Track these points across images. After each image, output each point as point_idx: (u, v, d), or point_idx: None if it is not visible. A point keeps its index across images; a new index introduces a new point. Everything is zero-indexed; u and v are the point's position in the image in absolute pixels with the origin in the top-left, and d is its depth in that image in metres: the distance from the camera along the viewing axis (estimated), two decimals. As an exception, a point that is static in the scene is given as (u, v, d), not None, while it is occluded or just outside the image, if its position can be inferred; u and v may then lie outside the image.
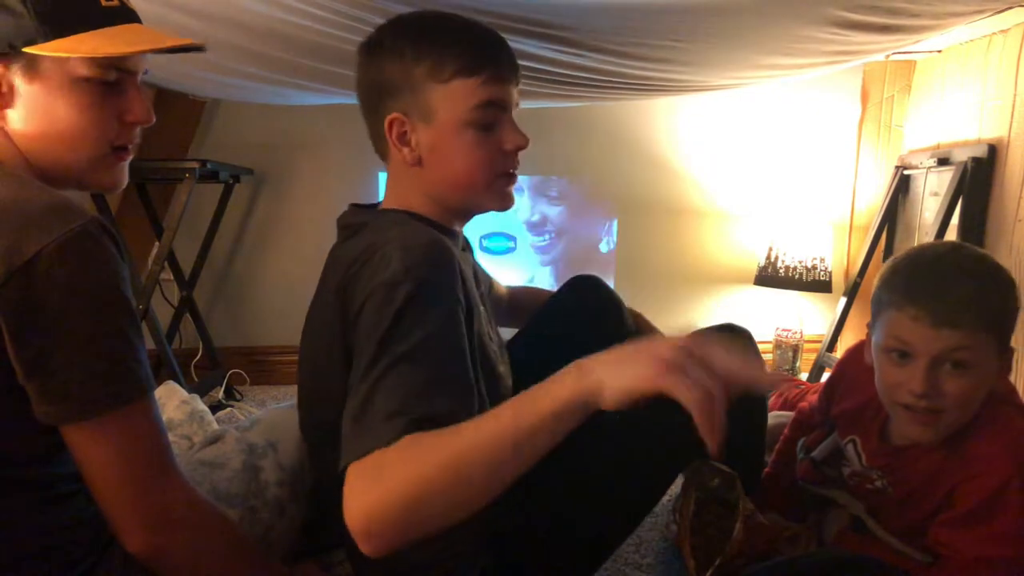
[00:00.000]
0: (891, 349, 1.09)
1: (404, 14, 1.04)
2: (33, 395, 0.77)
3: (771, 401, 1.91)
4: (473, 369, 0.85)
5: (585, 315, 1.38)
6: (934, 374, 1.05)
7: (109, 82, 0.85)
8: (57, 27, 0.81)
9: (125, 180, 0.93)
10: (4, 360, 0.76)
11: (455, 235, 1.10)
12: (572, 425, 0.69)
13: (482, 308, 1.06)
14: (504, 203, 1.07)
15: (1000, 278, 1.08)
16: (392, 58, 0.99)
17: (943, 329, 1.03)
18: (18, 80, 0.82)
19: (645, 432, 1.06)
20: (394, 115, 0.99)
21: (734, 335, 1.16)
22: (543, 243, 2.65)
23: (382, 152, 1.06)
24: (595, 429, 1.06)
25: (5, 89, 0.83)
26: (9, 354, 0.75)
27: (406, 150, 1.01)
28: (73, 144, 0.85)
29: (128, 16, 0.88)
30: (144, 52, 0.87)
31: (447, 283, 0.87)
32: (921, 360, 1.05)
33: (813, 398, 1.52)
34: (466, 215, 1.10)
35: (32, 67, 0.82)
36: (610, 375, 0.67)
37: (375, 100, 1.02)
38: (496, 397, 1.01)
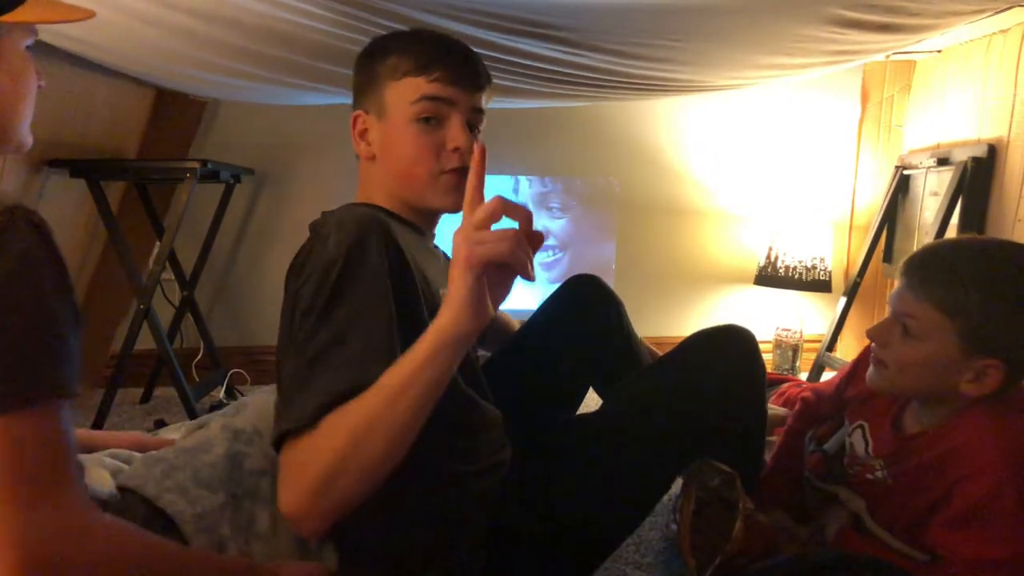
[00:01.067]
0: (889, 304, 1.22)
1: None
2: None
3: (771, 399, 1.92)
4: (414, 334, 0.85)
5: (582, 308, 1.42)
6: (887, 328, 1.17)
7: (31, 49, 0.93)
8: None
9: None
10: None
11: (422, 232, 1.13)
12: (452, 362, 0.80)
13: (426, 285, 1.03)
14: (451, 200, 1.08)
15: (1005, 287, 1.08)
16: (364, 59, 1.10)
17: (905, 292, 1.15)
18: None
19: (644, 433, 1.07)
20: (357, 112, 1.09)
21: (734, 336, 1.17)
22: (548, 260, 2.64)
23: (358, 152, 1.12)
24: (594, 430, 1.07)
25: None
26: None
27: (363, 145, 1.09)
28: (23, 110, 0.91)
29: None
30: (77, 20, 0.95)
31: (378, 258, 0.88)
32: (889, 313, 1.19)
33: (822, 387, 1.53)
34: (423, 212, 1.11)
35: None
36: (450, 308, 0.79)
37: (355, 100, 1.12)
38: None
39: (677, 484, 1.29)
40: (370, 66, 1.08)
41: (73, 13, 0.96)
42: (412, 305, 0.93)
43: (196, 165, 2.11)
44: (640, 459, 1.06)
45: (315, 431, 0.78)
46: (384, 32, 1.16)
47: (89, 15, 0.98)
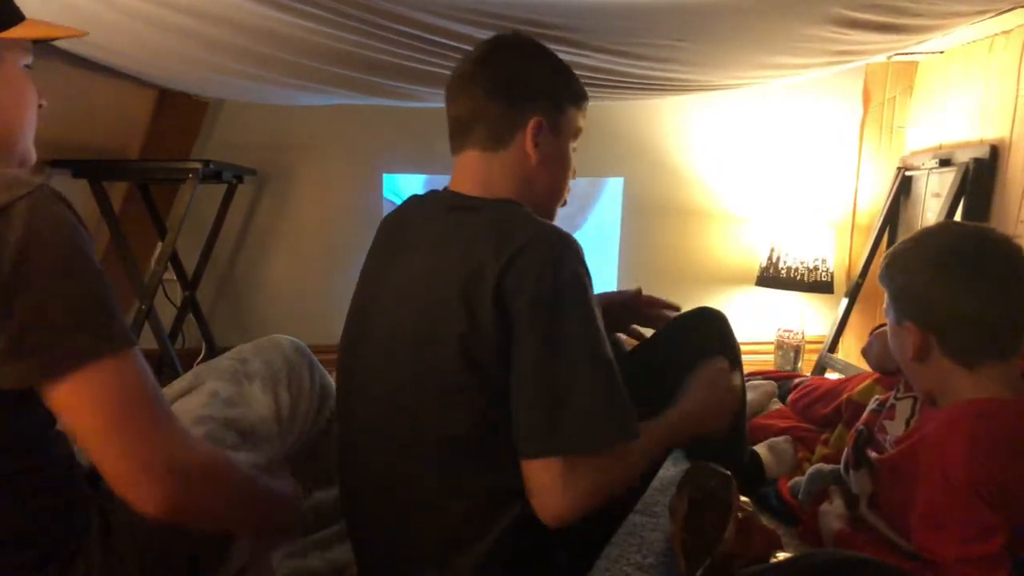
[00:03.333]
0: None
1: (514, 32, 1.20)
2: (2, 361, 0.74)
3: (792, 396, 1.90)
4: None
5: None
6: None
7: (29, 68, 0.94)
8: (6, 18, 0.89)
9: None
10: None
11: None
12: None
13: None
14: (553, 215, 1.20)
15: (917, 251, 1.16)
16: (540, 66, 1.13)
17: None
18: None
19: (648, 405, 1.11)
20: (539, 118, 1.09)
21: (706, 314, 1.34)
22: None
23: (498, 143, 1.10)
24: None
25: None
26: None
27: (535, 152, 1.09)
28: (22, 125, 0.93)
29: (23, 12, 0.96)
30: (70, 37, 0.97)
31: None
32: None
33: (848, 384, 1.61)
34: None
35: None
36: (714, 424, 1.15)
37: (519, 93, 1.10)
38: None
39: (676, 484, 1.29)
40: (549, 77, 1.12)
41: (66, 31, 0.97)
42: None
43: (198, 165, 2.12)
44: None
45: (610, 455, 0.95)
46: (390, 35, 1.17)
47: (80, 34, 1.00)
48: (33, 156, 0.97)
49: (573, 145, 1.16)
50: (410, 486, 1.02)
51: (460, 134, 1.11)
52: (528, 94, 1.10)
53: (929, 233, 1.24)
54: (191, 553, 0.91)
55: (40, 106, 0.96)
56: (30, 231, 0.73)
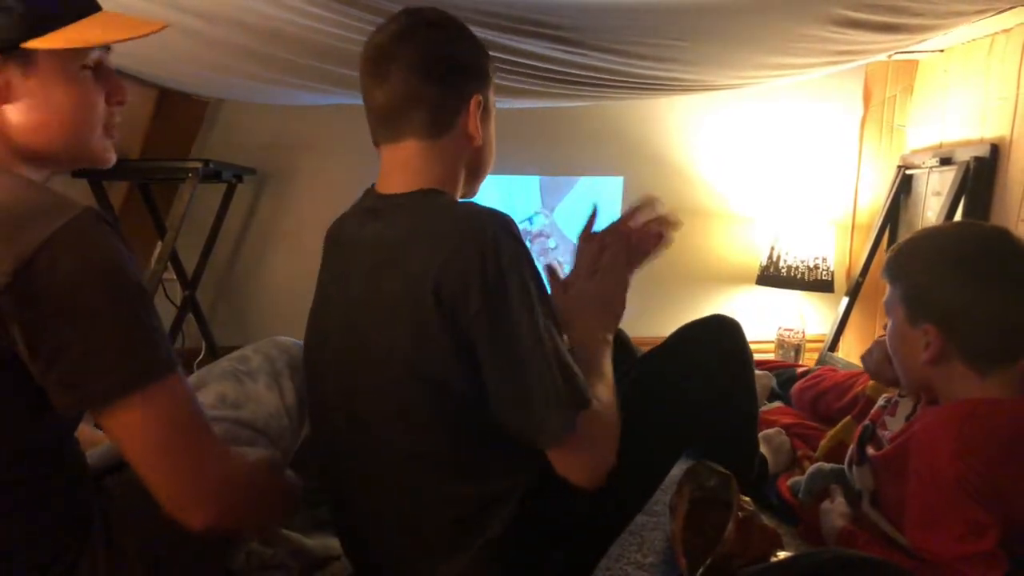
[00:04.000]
0: None
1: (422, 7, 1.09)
2: (52, 389, 0.76)
3: (795, 387, 1.90)
4: None
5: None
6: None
7: (93, 69, 0.89)
8: (48, 22, 0.84)
9: (114, 155, 0.96)
10: (13, 362, 0.75)
11: None
12: None
13: None
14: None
15: (935, 251, 1.14)
16: (467, 42, 1.07)
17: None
18: (14, 76, 0.84)
19: (644, 418, 1.09)
20: (479, 96, 1.05)
21: (723, 324, 1.30)
22: (552, 258, 2.65)
23: (440, 129, 1.02)
24: None
25: (2, 86, 0.84)
26: (22, 355, 0.75)
27: (477, 133, 1.06)
28: (74, 130, 0.88)
29: (97, 3, 0.92)
30: (135, 38, 0.90)
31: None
32: None
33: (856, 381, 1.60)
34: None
35: (28, 62, 0.84)
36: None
37: (453, 74, 1.03)
38: None
39: (677, 483, 1.29)
40: (478, 53, 1.08)
41: (139, 28, 0.91)
42: None
43: (198, 165, 2.12)
44: (641, 442, 1.08)
45: (599, 409, 0.97)
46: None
47: (158, 27, 0.93)
48: (110, 157, 0.94)
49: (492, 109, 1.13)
50: (389, 498, 1.01)
51: (392, 122, 1.02)
52: (465, 72, 1.05)
53: (950, 233, 1.21)
54: (195, 550, 0.92)
55: (118, 103, 0.93)
56: (74, 265, 0.75)
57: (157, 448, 0.79)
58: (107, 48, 0.92)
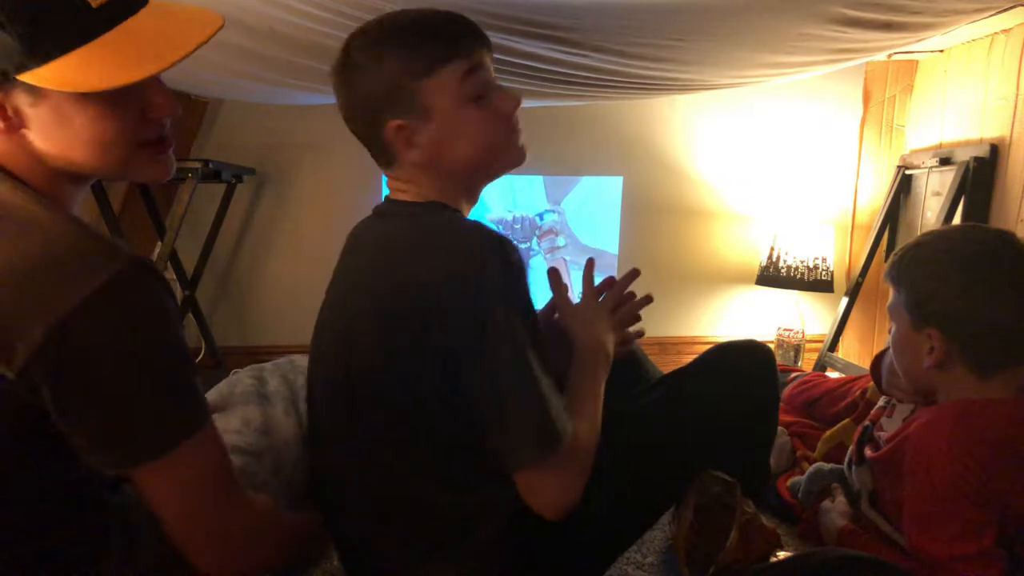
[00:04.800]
0: None
1: (362, 26, 1.04)
2: (80, 449, 0.75)
3: (786, 391, 1.90)
4: None
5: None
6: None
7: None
8: (46, 48, 0.71)
9: (170, 169, 0.88)
10: (37, 415, 0.72)
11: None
12: None
13: None
14: (522, 156, 1.09)
15: (938, 256, 1.13)
16: (371, 70, 0.99)
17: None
18: (23, 104, 0.75)
19: (665, 439, 1.09)
20: (393, 123, 0.99)
21: (754, 350, 1.20)
22: (553, 257, 2.64)
23: (387, 160, 1.05)
24: (618, 429, 1.07)
25: (12, 114, 0.75)
26: (49, 410, 0.72)
27: (416, 151, 1.01)
28: (99, 151, 0.79)
29: (128, 5, 0.78)
30: (156, 72, 0.77)
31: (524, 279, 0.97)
32: None
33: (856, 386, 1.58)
34: (486, 182, 1.12)
35: (33, 90, 0.73)
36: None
37: (365, 114, 1.02)
38: None
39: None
40: (382, 75, 0.99)
41: (162, 55, 0.78)
42: None
43: (198, 165, 2.11)
44: (655, 465, 1.08)
45: (579, 439, 0.95)
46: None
47: (188, 51, 0.80)
48: (149, 174, 0.87)
49: (467, 98, 1.00)
50: (377, 504, 1.01)
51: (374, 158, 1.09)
52: (372, 108, 1.00)
53: (953, 237, 1.19)
54: None
55: (156, 118, 0.83)
56: (109, 332, 0.71)
57: (184, 506, 0.79)
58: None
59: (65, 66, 0.72)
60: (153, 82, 0.81)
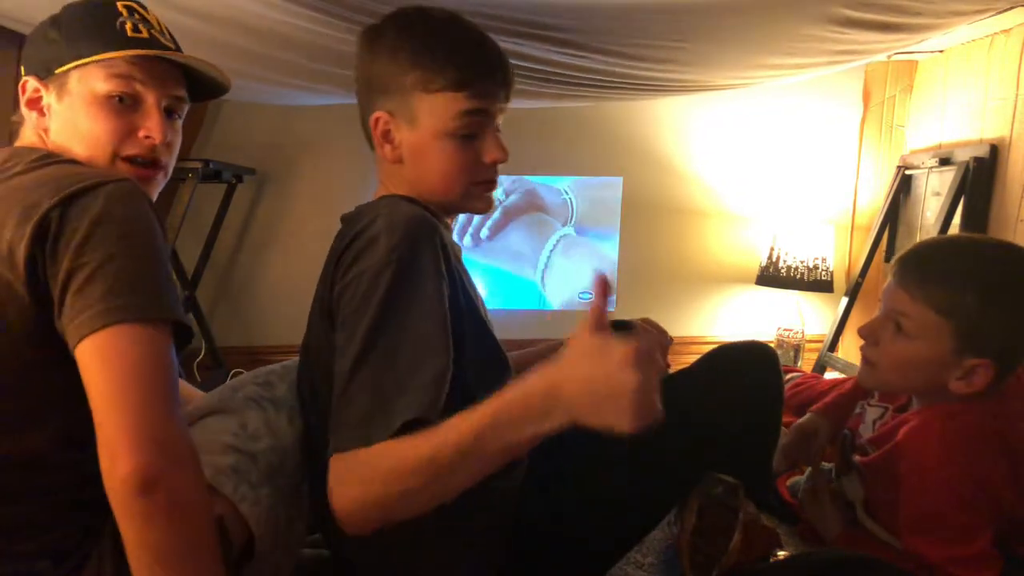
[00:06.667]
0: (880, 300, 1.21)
1: (409, 9, 1.05)
2: (60, 317, 0.79)
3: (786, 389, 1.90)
4: (465, 336, 0.91)
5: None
6: (880, 326, 1.17)
7: (124, 101, 0.96)
8: (83, 50, 0.94)
9: (152, 194, 1.01)
10: (50, 337, 0.80)
11: (447, 225, 1.12)
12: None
13: (463, 277, 1.04)
14: (483, 207, 1.09)
15: (1001, 289, 1.09)
16: (387, 56, 1.01)
17: (900, 290, 1.14)
18: (52, 100, 0.95)
19: (665, 441, 1.06)
20: (379, 113, 1.02)
21: (757, 354, 1.17)
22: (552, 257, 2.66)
23: (371, 146, 1.08)
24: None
25: (45, 107, 0.96)
26: (52, 290, 0.79)
27: (388, 147, 1.03)
28: (86, 147, 0.95)
29: (161, 46, 0.99)
30: (139, 55, 0.95)
31: (430, 260, 0.88)
32: (880, 311, 1.18)
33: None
34: (448, 212, 1.11)
35: (63, 87, 0.95)
36: (587, 414, 0.72)
37: (365, 92, 1.05)
38: (492, 355, 1.05)
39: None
40: (392, 68, 1.00)
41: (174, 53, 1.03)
42: (456, 302, 0.93)
43: (198, 165, 2.11)
44: (658, 465, 1.06)
45: (383, 451, 0.78)
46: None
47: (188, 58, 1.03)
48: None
49: (457, 131, 1.00)
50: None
51: None
52: (370, 90, 1.04)
53: (997, 258, 1.14)
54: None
55: (147, 138, 0.98)
56: (109, 205, 0.81)
57: (115, 386, 0.77)
58: (156, 84, 0.97)
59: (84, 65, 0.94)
60: (152, 110, 0.98)
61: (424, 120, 1.00)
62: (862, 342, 1.22)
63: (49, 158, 0.91)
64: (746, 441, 1.15)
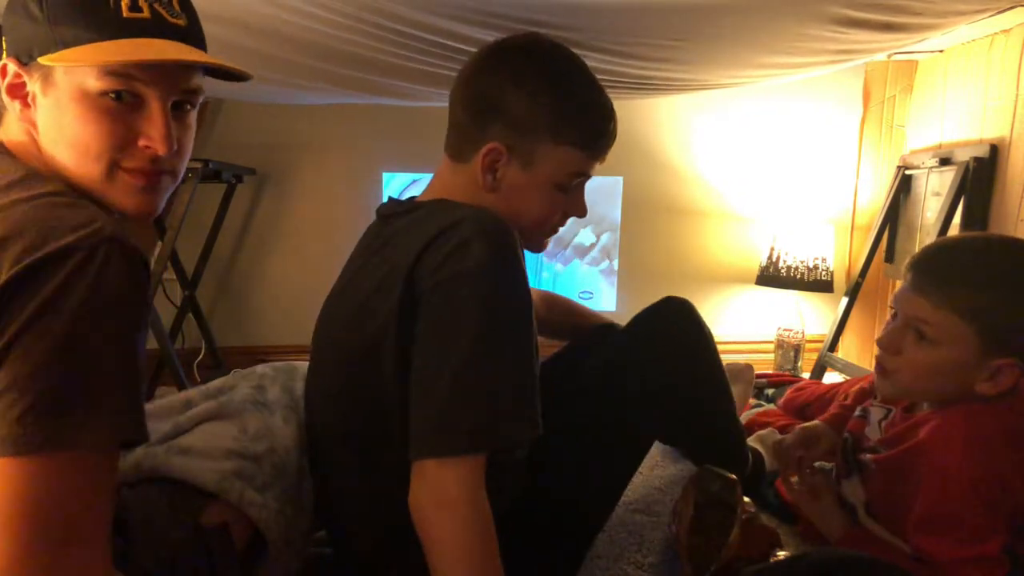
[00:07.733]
0: (891, 307, 1.17)
1: (546, 45, 1.05)
2: None
3: (785, 398, 1.91)
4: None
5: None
6: (900, 335, 1.13)
7: (123, 99, 0.78)
8: (70, 36, 0.76)
9: (150, 207, 0.85)
10: None
11: None
12: None
13: None
14: (540, 249, 1.14)
15: (1021, 286, 1.07)
16: (526, 93, 0.99)
17: (918, 296, 1.10)
18: (37, 90, 0.78)
19: (605, 405, 1.11)
20: (495, 144, 1.00)
21: (672, 304, 1.23)
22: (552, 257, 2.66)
23: (463, 153, 1.04)
24: (567, 406, 1.08)
25: (28, 98, 0.79)
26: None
27: (489, 177, 1.02)
28: (76, 157, 0.79)
29: (162, 30, 0.79)
30: (144, 62, 0.77)
31: (523, 273, 0.92)
32: (898, 319, 1.14)
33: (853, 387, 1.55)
34: None
35: (47, 77, 0.77)
36: None
37: (483, 112, 1.02)
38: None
39: (678, 486, 1.29)
40: (528, 104, 0.99)
41: (175, 52, 0.79)
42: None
43: (198, 165, 2.11)
44: (605, 428, 1.09)
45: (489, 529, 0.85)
46: (391, 35, 1.13)
47: (196, 57, 0.80)
48: (120, 203, 0.83)
49: (563, 184, 1.04)
50: (355, 482, 1.02)
51: (447, 135, 1.08)
52: (494, 115, 1.00)
53: (1011, 252, 1.12)
54: (213, 564, 0.90)
55: (146, 147, 0.80)
56: (70, 282, 0.65)
57: (16, 537, 0.62)
58: (163, 82, 0.79)
59: (74, 53, 0.76)
60: (156, 113, 0.80)
61: (541, 166, 1.02)
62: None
63: (28, 181, 0.74)
64: (682, 402, 1.18)
